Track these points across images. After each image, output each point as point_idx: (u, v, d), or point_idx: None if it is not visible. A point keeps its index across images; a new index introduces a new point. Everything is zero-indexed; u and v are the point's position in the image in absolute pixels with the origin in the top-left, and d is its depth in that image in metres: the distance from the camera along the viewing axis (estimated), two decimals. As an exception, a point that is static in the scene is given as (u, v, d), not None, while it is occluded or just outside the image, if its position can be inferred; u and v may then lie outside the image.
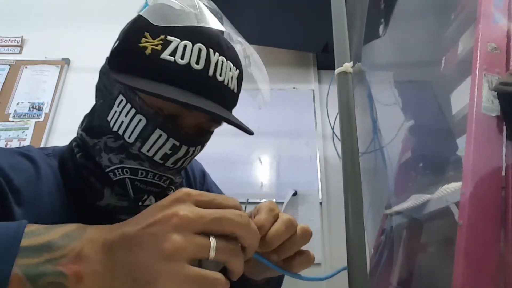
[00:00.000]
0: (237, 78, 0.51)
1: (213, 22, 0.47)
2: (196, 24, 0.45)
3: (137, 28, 0.46)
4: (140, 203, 0.47)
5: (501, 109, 0.60)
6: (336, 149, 1.68)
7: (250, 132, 0.51)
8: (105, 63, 0.49)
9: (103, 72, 0.49)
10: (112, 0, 2.21)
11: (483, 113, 0.60)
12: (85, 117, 0.52)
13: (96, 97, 0.50)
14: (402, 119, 1.13)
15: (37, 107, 1.85)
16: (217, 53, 0.45)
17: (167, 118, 0.44)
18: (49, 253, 0.28)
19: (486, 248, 0.53)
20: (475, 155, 0.58)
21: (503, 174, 0.57)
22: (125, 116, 0.43)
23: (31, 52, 2.03)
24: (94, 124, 0.48)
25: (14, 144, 1.75)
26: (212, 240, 0.29)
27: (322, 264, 1.52)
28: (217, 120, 0.50)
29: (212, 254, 0.28)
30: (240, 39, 0.55)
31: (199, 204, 0.30)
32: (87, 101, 1.97)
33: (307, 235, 0.39)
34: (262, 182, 1.69)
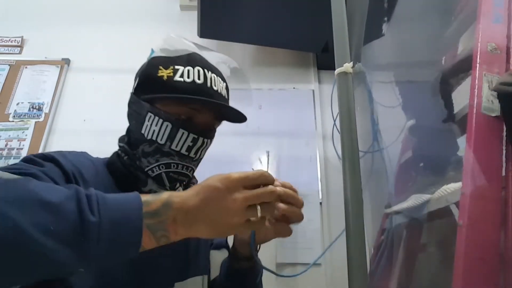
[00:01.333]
0: (225, 89, 0.70)
1: (193, 47, 0.70)
2: (190, 53, 0.67)
3: (152, 65, 0.66)
4: (169, 190, 0.63)
5: (501, 109, 0.60)
6: (336, 150, 1.68)
7: (243, 118, 0.68)
8: (131, 96, 0.67)
9: (132, 102, 0.67)
10: (112, 0, 2.21)
11: (483, 113, 0.60)
12: (121, 139, 0.70)
13: (129, 121, 0.68)
14: (402, 119, 1.13)
15: (37, 107, 1.85)
16: (210, 72, 0.65)
17: (185, 120, 0.63)
18: (158, 218, 0.44)
19: (486, 248, 0.53)
20: (475, 155, 0.58)
21: (503, 174, 0.57)
22: (156, 125, 0.62)
23: (31, 52, 2.03)
24: (131, 139, 0.66)
25: (14, 144, 1.75)
26: (259, 209, 0.48)
27: (322, 264, 1.51)
28: (219, 118, 0.68)
29: (259, 214, 0.48)
30: (221, 58, 0.76)
31: (246, 186, 0.49)
32: (87, 101, 1.96)
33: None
34: (262, 182, 1.69)
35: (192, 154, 0.64)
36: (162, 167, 0.63)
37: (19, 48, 2.04)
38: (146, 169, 0.63)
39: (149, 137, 0.62)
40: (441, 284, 0.73)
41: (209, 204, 0.46)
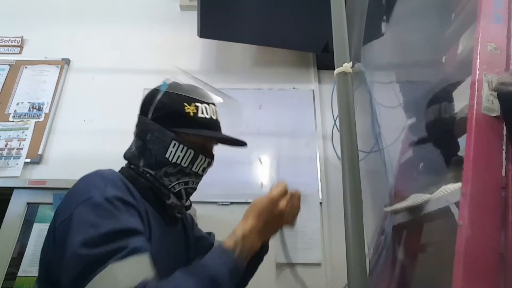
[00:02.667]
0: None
1: (208, 90, 0.85)
2: (201, 92, 0.81)
3: (178, 102, 0.77)
4: (183, 203, 0.81)
5: (501, 109, 0.60)
6: (335, 151, 1.68)
7: (243, 144, 0.83)
8: (151, 124, 0.77)
9: (154, 130, 0.76)
10: (112, 0, 2.21)
11: (483, 113, 0.60)
12: (138, 157, 0.78)
13: (148, 145, 0.76)
14: (402, 119, 1.13)
15: (37, 107, 1.85)
16: (213, 105, 0.82)
17: (202, 147, 0.78)
18: (244, 249, 0.65)
19: (486, 248, 0.53)
20: (475, 155, 0.58)
21: (503, 174, 0.57)
22: (181, 152, 0.75)
23: (31, 52, 2.03)
24: (153, 161, 0.76)
25: (14, 144, 1.75)
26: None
27: (322, 264, 1.51)
28: (222, 143, 0.85)
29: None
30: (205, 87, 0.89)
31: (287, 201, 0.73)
32: (87, 101, 1.96)
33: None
34: (262, 182, 1.69)
35: (204, 173, 0.81)
36: (182, 184, 0.78)
37: (19, 48, 2.04)
38: (169, 187, 0.77)
39: (173, 160, 0.75)
40: (441, 284, 0.73)
41: (268, 218, 0.69)
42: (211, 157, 0.81)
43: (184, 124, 0.76)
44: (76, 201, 0.62)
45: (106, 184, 0.65)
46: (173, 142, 0.75)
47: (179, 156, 0.75)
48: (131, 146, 0.81)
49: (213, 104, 0.82)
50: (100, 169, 0.73)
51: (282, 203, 0.70)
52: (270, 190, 0.73)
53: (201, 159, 0.77)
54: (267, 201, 0.70)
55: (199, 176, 0.80)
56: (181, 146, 0.75)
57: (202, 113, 0.77)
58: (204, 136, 0.77)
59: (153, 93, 0.80)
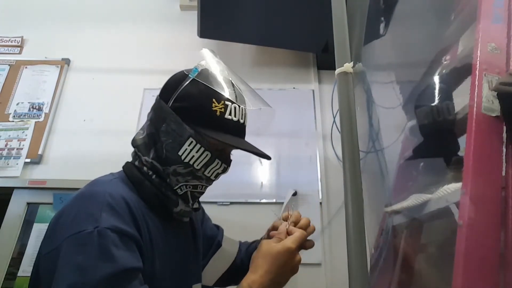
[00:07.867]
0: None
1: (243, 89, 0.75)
2: (234, 89, 0.71)
3: (206, 95, 0.68)
4: (191, 206, 0.74)
5: (501, 109, 0.60)
6: (334, 151, 1.68)
7: (267, 157, 0.74)
8: (171, 116, 0.67)
9: (172, 121, 0.67)
10: (112, 0, 2.21)
11: (483, 113, 0.60)
12: (143, 150, 0.70)
13: (162, 137, 0.68)
14: (402, 119, 1.13)
15: (37, 107, 1.85)
16: (244, 108, 0.72)
17: (220, 151, 0.70)
18: None
19: (486, 248, 0.53)
20: (475, 155, 0.58)
21: (503, 174, 0.57)
22: (196, 152, 0.66)
23: (31, 52, 2.03)
24: (163, 156, 0.68)
25: (14, 144, 1.75)
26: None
27: (322, 264, 1.51)
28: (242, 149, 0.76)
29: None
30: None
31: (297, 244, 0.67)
32: (87, 101, 1.96)
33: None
34: (262, 182, 1.69)
35: (216, 179, 0.73)
36: (189, 187, 0.70)
37: (19, 48, 2.04)
38: (174, 188, 0.69)
39: (186, 160, 0.67)
40: (441, 284, 0.73)
41: (280, 272, 0.63)
42: (228, 163, 0.72)
43: (207, 123, 0.66)
44: (66, 231, 0.55)
45: (101, 211, 0.56)
46: (190, 139, 0.66)
47: (193, 156, 0.66)
48: (142, 130, 0.72)
49: (242, 104, 0.71)
50: (99, 178, 0.68)
51: (299, 256, 0.65)
52: (283, 233, 0.69)
53: (217, 163, 0.69)
54: (284, 251, 0.64)
55: (210, 181, 0.73)
56: (198, 146, 0.66)
57: (230, 114, 0.68)
58: (228, 144, 0.68)
59: (179, 77, 0.71)
